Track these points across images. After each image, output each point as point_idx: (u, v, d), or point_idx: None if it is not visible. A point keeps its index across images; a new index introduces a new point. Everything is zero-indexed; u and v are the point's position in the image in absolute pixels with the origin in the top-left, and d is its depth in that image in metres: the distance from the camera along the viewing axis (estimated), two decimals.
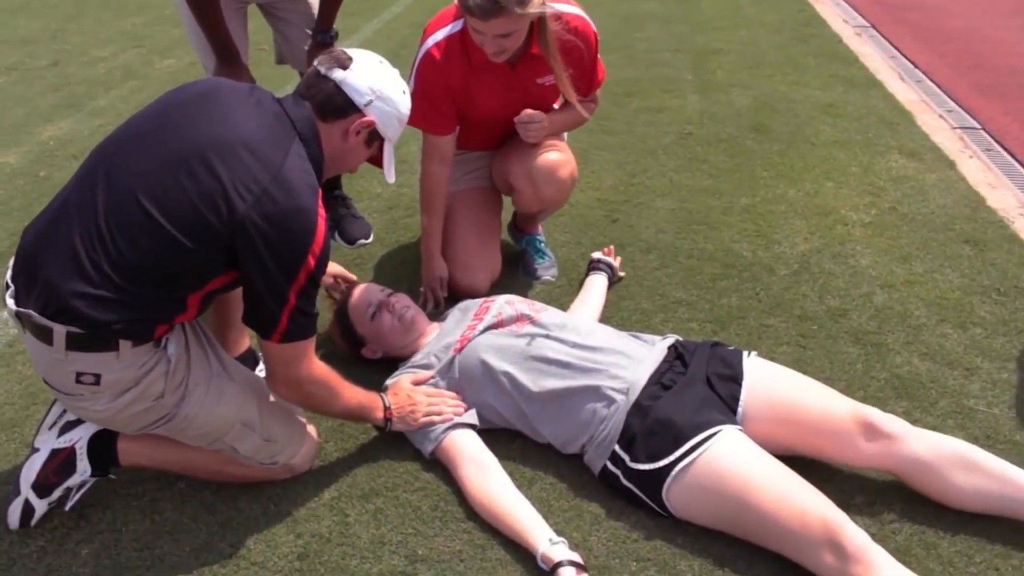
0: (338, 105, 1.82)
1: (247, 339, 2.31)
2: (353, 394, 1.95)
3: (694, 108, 4.40)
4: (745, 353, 2.06)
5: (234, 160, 1.65)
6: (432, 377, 2.14)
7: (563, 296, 2.73)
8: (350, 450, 2.10)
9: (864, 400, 2.18)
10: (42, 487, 1.86)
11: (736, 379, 1.97)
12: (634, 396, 1.91)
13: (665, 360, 2.04)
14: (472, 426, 2.05)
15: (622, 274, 2.80)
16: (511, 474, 1.96)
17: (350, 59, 1.83)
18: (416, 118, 2.41)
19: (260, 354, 2.10)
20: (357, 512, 1.91)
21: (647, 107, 4.43)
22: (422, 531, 1.86)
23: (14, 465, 2.01)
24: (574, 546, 1.78)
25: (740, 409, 1.93)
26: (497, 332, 2.14)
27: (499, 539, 1.82)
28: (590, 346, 2.04)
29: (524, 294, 2.73)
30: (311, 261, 1.67)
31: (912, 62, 5.30)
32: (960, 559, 1.75)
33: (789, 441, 1.90)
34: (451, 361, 2.13)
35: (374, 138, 1.91)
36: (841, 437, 1.85)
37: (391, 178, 2.01)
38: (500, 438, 2.08)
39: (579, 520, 1.87)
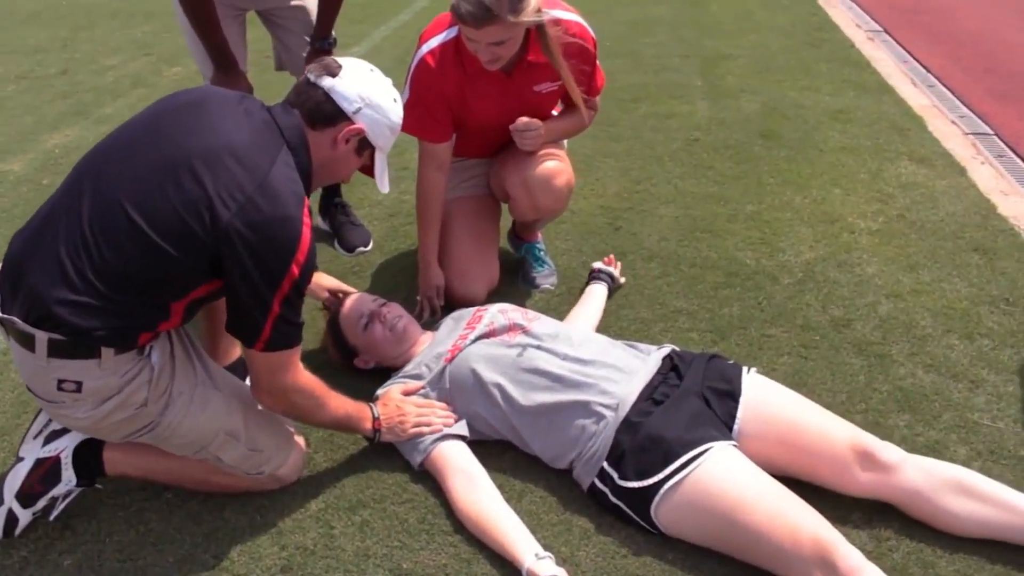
0: (327, 113, 1.80)
1: (238, 348, 2.29)
2: (340, 404, 1.93)
3: (702, 114, 4.35)
4: (745, 369, 2.01)
5: (220, 168, 1.64)
6: (422, 387, 2.11)
7: (562, 305, 2.70)
8: (339, 461, 2.07)
9: (865, 413, 2.15)
10: (27, 496, 1.85)
11: (734, 396, 1.93)
12: (624, 412, 1.87)
13: (659, 372, 2.00)
14: (462, 437, 2.02)
15: (623, 280, 2.76)
16: (501, 486, 1.93)
17: (340, 67, 1.82)
18: (411, 125, 2.39)
19: None
20: (343, 524, 1.88)
21: (655, 113, 4.39)
22: (408, 544, 1.83)
23: (2, 474, 1.99)
24: (561, 561, 1.74)
25: (736, 427, 1.88)
26: (488, 342, 2.11)
27: (485, 553, 1.78)
28: (582, 359, 2.00)
29: (523, 303, 2.71)
30: (295, 270, 1.65)
31: (924, 66, 5.23)
32: None
33: (784, 463, 1.85)
34: (442, 371, 2.10)
35: (364, 147, 1.89)
36: (837, 464, 1.80)
37: (384, 188, 1.99)
38: (491, 450, 2.04)
39: (568, 534, 1.83)
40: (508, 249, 2.99)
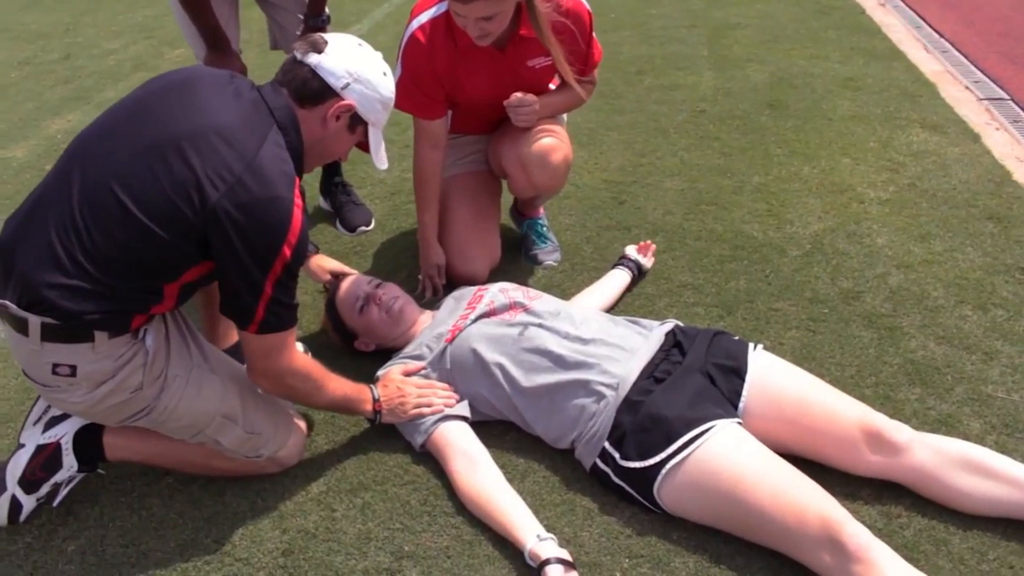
0: (314, 90, 1.77)
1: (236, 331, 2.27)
2: (338, 386, 1.90)
3: (708, 85, 4.28)
4: (751, 345, 1.97)
5: (208, 149, 1.62)
6: (423, 368, 2.09)
7: (565, 282, 2.66)
8: (340, 443, 2.06)
9: (875, 387, 2.11)
10: (29, 483, 1.85)
11: (739, 373, 1.89)
12: (624, 391, 1.84)
13: (661, 349, 1.96)
14: (464, 418, 2.00)
15: (649, 265, 2.67)
16: (504, 467, 1.91)
17: (326, 43, 1.78)
18: (404, 102, 2.36)
19: None
20: (344, 507, 1.87)
21: (659, 85, 4.32)
22: (409, 526, 1.81)
23: (4, 461, 1.98)
24: (565, 542, 1.72)
25: (741, 404, 1.85)
26: (488, 321, 2.08)
27: (488, 535, 1.77)
28: (583, 337, 1.97)
29: (526, 279, 2.67)
30: (287, 251, 1.63)
31: (937, 31, 5.11)
32: (972, 556, 1.65)
33: (791, 442, 1.81)
34: (443, 351, 2.07)
35: (356, 122, 1.85)
36: (845, 444, 1.77)
37: (381, 164, 1.96)
38: (493, 430, 2.02)
39: (571, 515, 1.81)
40: (510, 225, 2.95)
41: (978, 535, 1.69)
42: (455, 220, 2.62)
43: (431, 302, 2.49)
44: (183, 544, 1.81)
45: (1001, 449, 1.85)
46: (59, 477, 1.86)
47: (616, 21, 5.46)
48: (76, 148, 1.73)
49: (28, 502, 1.86)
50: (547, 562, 1.61)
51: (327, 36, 1.81)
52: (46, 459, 1.85)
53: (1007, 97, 4.06)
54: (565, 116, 2.72)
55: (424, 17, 2.33)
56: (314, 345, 2.37)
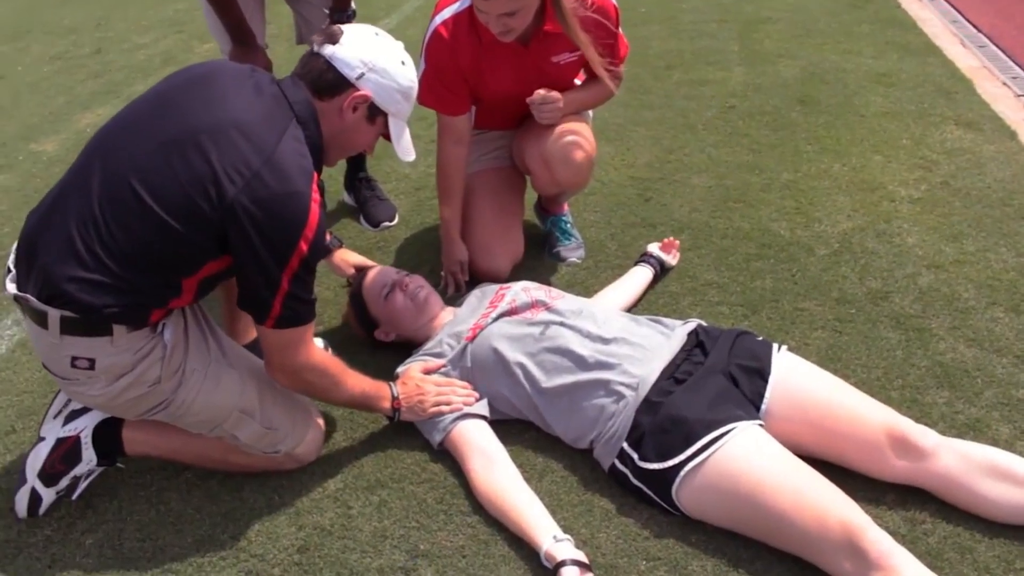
0: (330, 81, 1.76)
1: None
2: (357, 382, 1.90)
3: (738, 80, 4.21)
4: (775, 346, 1.93)
5: (226, 144, 1.61)
6: (444, 365, 2.07)
7: (589, 279, 2.63)
8: (358, 440, 2.05)
9: (902, 390, 2.07)
10: (48, 476, 1.86)
11: (763, 374, 1.85)
12: (644, 392, 1.81)
13: (683, 349, 1.93)
14: (483, 417, 1.98)
15: (674, 263, 2.63)
16: (522, 466, 1.89)
17: (342, 33, 1.77)
18: (427, 98, 2.34)
19: None
20: (361, 504, 1.86)
21: (689, 80, 4.26)
22: (425, 525, 1.80)
23: (24, 453, 2.00)
24: (581, 543, 1.70)
25: (764, 406, 1.81)
26: (510, 320, 2.06)
27: (504, 535, 1.75)
28: (604, 337, 1.94)
29: (549, 277, 2.65)
30: (303, 246, 1.62)
31: (975, 25, 5.00)
32: (998, 565, 1.61)
33: (814, 446, 1.77)
34: (463, 350, 2.06)
35: (375, 113, 1.84)
36: (871, 449, 1.72)
37: (405, 156, 1.92)
38: (512, 429, 2.00)
39: (588, 516, 1.79)
40: (534, 222, 2.93)
41: (1005, 543, 1.64)
42: (478, 216, 2.60)
43: (453, 298, 2.47)
44: (200, 539, 1.81)
45: None
46: (78, 470, 1.87)
47: (646, 15, 5.41)
48: (97, 142, 1.74)
49: (48, 495, 1.87)
50: (563, 563, 1.59)
51: (345, 27, 1.80)
52: (66, 452, 1.87)
53: None
54: (591, 112, 2.69)
55: (447, 12, 2.31)
56: (335, 341, 2.36)
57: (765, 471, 1.61)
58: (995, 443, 1.85)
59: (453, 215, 2.55)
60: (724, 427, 1.67)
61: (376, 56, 1.78)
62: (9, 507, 1.89)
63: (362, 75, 1.77)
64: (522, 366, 1.97)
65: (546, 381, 1.93)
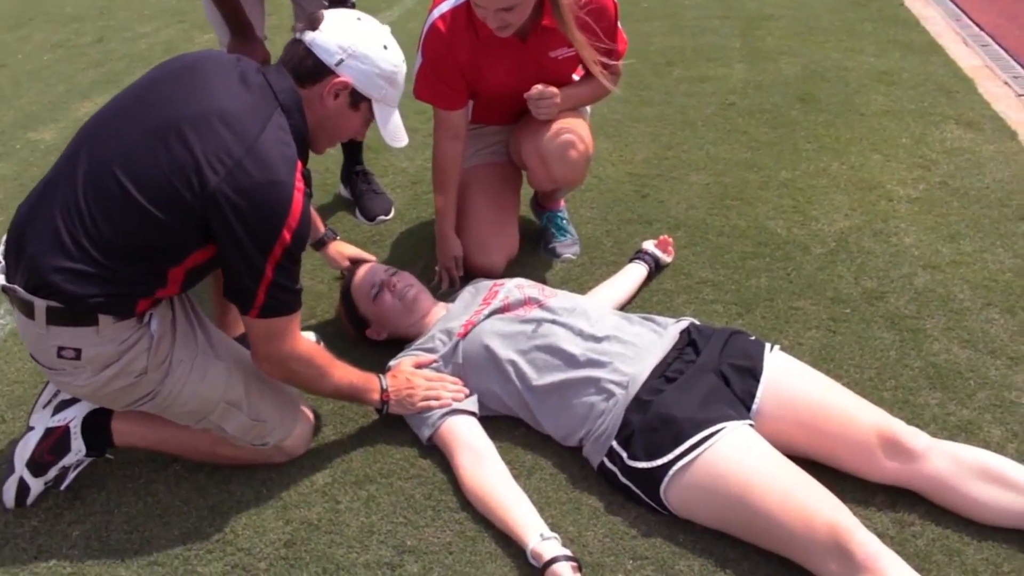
0: (310, 68, 1.76)
1: None
2: (344, 374, 1.89)
3: (739, 77, 4.20)
4: (768, 346, 1.92)
5: (209, 133, 1.61)
6: (435, 361, 2.07)
7: (583, 275, 2.62)
8: (347, 434, 2.04)
9: (895, 391, 2.06)
10: (37, 465, 1.86)
11: (754, 373, 1.84)
12: (634, 390, 1.80)
13: (675, 348, 1.92)
14: (472, 413, 1.97)
15: (669, 260, 2.62)
16: (511, 463, 1.88)
17: (322, 19, 1.76)
18: (423, 92, 2.34)
19: None
20: (349, 499, 1.86)
21: (689, 77, 4.24)
22: (413, 520, 1.79)
23: (13, 443, 2.00)
24: (569, 541, 1.69)
25: (755, 406, 1.80)
26: (502, 317, 2.05)
27: (491, 531, 1.74)
28: (596, 335, 1.94)
29: (544, 273, 2.64)
30: (287, 235, 1.62)
31: (978, 24, 4.98)
32: (986, 568, 1.60)
33: (805, 446, 1.76)
34: (455, 346, 2.05)
35: (359, 99, 1.82)
36: (861, 450, 1.72)
37: (393, 142, 1.90)
38: (502, 425, 2.00)
39: (576, 513, 1.78)
40: (530, 217, 2.92)
41: (993, 546, 1.64)
42: (474, 212, 2.59)
43: (447, 294, 2.47)
44: (187, 532, 1.80)
45: (1022, 458, 1.79)
46: (67, 461, 1.87)
47: (648, 11, 5.39)
48: (84, 132, 1.74)
49: (36, 485, 1.87)
50: (554, 560, 1.58)
51: (328, 12, 1.79)
52: (55, 442, 1.86)
53: None
54: (589, 108, 2.68)
55: (445, 6, 2.30)
56: (327, 335, 2.36)
57: (753, 471, 1.60)
58: (987, 445, 1.84)
59: (448, 210, 2.54)
60: (713, 427, 1.66)
61: (356, 41, 1.76)
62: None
63: (341, 61, 1.75)
64: (513, 363, 1.96)
65: (537, 379, 1.92)
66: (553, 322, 1.99)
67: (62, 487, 1.90)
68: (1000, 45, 4.62)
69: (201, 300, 1.98)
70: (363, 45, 1.77)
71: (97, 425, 1.88)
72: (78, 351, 1.67)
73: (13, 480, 1.86)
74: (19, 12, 6.46)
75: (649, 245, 2.59)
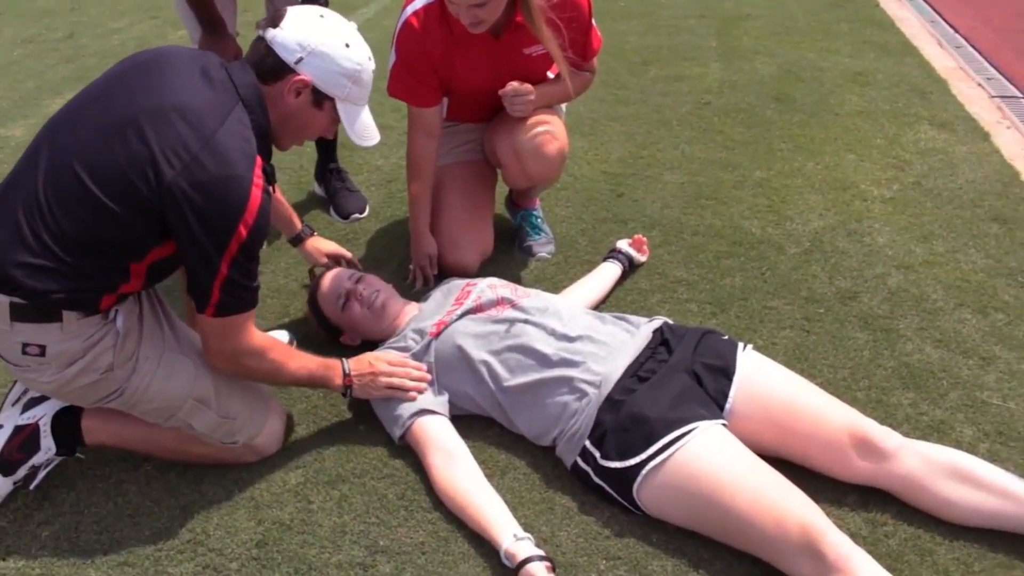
0: (271, 66, 1.74)
1: None
2: (302, 364, 1.88)
3: (715, 77, 4.22)
4: (740, 345, 1.93)
5: (166, 127, 1.59)
6: (407, 357, 2.05)
7: (558, 274, 2.62)
8: (321, 433, 2.03)
9: (868, 390, 2.07)
10: (6, 464, 1.84)
11: (727, 373, 1.84)
12: (607, 390, 1.80)
13: (647, 347, 1.92)
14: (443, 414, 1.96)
15: (643, 259, 2.62)
16: (484, 462, 1.87)
17: (283, 16, 1.75)
18: (397, 89, 2.32)
19: None
20: (321, 499, 1.84)
21: (665, 76, 4.26)
22: (385, 520, 1.78)
23: None
24: (542, 541, 1.69)
25: (728, 405, 1.80)
26: (475, 317, 2.04)
27: (464, 532, 1.73)
28: (569, 335, 1.93)
29: (519, 271, 2.63)
30: (243, 231, 1.60)
31: (952, 26, 5.03)
32: (957, 568, 1.61)
33: (777, 446, 1.77)
34: (427, 345, 2.04)
35: (321, 98, 1.79)
36: (832, 449, 1.72)
37: (359, 140, 1.87)
38: (475, 425, 1.99)
39: (550, 514, 1.77)
40: (505, 216, 2.91)
41: (964, 545, 1.65)
42: (448, 210, 2.58)
43: (420, 293, 2.45)
44: (157, 533, 1.78)
45: (993, 457, 1.82)
46: (37, 459, 1.84)
47: (625, 9, 5.40)
48: (47, 128, 1.72)
49: (4, 484, 1.84)
50: (528, 560, 1.57)
51: (291, 8, 1.77)
52: (24, 440, 1.84)
53: (1020, 95, 3.99)
54: (564, 106, 2.68)
55: (418, 3, 2.28)
56: (300, 334, 2.34)
57: (725, 471, 1.60)
58: (958, 445, 1.85)
59: (422, 208, 2.52)
60: (685, 427, 1.66)
61: (316, 39, 1.74)
62: None
63: (301, 59, 1.73)
64: (487, 364, 1.95)
65: (510, 379, 1.91)
66: (526, 322, 1.98)
67: (31, 487, 1.87)
68: (974, 47, 4.67)
69: (174, 297, 1.96)
70: (324, 43, 1.75)
71: (67, 423, 1.86)
72: (42, 347, 1.65)
73: None
74: None
75: (623, 244, 2.59)
